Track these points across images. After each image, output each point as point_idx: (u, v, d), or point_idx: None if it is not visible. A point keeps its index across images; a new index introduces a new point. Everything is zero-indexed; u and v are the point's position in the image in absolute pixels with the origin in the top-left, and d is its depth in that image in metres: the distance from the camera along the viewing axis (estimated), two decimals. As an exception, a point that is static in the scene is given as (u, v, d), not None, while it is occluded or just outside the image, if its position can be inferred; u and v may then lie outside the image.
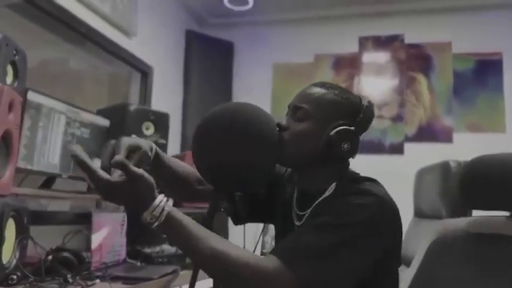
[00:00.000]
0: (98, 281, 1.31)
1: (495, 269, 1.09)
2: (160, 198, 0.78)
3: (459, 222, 1.26)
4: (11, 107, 1.22)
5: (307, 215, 0.98)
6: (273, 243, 1.12)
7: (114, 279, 1.40)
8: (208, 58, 3.56)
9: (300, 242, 0.85)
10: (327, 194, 0.97)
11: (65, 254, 1.40)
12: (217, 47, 3.66)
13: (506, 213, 1.17)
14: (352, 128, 0.96)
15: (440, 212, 1.75)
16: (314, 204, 0.97)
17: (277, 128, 0.96)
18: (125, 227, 1.81)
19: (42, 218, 1.92)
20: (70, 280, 1.26)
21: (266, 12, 3.66)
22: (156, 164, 0.98)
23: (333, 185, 0.98)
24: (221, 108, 0.95)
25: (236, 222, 1.12)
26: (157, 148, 1.00)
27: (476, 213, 1.38)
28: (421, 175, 2.08)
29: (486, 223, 1.17)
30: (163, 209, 0.77)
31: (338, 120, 0.96)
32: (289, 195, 1.08)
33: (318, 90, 1.00)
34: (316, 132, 0.96)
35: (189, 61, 3.49)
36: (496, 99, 3.32)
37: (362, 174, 1.01)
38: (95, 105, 2.34)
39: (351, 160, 1.02)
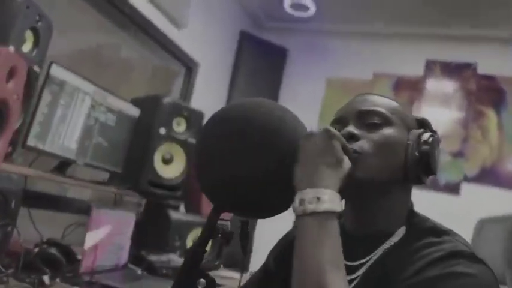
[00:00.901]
0: (76, 288, 1.11)
1: None
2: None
3: None
4: (12, 74, 1.07)
5: (364, 267, 0.72)
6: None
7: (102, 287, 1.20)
8: (259, 62, 3.38)
9: None
10: (393, 241, 0.73)
11: (52, 249, 1.22)
12: (270, 51, 3.46)
13: None
14: (436, 135, 0.77)
15: (504, 277, 1.43)
16: (379, 254, 0.73)
17: (347, 138, 0.72)
18: (132, 228, 1.62)
19: (50, 203, 1.79)
20: (46, 281, 1.08)
21: (327, 22, 3.43)
22: None
23: (402, 230, 0.74)
24: (235, 107, 0.72)
25: None
26: None
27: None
28: (484, 225, 1.76)
29: None
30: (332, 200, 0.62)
31: (418, 129, 0.78)
32: None
33: (378, 97, 0.81)
34: (402, 138, 0.75)
35: (238, 62, 3.32)
36: None
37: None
38: (135, 95, 2.21)
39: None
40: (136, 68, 2.71)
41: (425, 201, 3.11)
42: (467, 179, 3.05)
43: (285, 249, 0.87)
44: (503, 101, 3.10)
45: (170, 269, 1.60)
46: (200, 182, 0.70)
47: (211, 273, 0.70)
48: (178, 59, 2.72)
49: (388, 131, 0.75)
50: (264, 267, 0.93)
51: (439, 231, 0.71)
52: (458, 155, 3.11)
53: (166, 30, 2.48)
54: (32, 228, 1.51)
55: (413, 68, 3.32)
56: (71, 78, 1.63)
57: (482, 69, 3.18)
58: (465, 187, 3.04)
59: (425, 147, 0.73)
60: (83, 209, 1.85)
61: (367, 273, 0.72)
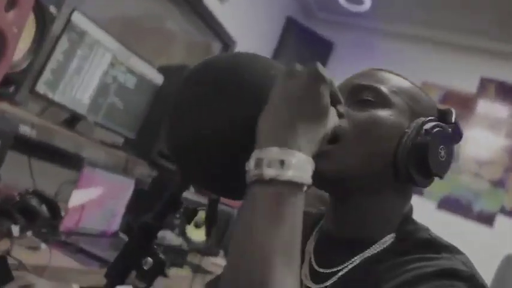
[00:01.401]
0: (43, 245, 1.02)
1: None
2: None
3: None
4: (12, 4, 0.98)
5: (342, 271, 0.58)
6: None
7: (74, 251, 1.11)
8: (302, 52, 3.22)
9: None
10: (379, 246, 0.58)
11: (33, 200, 1.14)
12: (315, 43, 3.30)
13: None
14: (450, 129, 0.60)
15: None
16: (359, 261, 0.58)
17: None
18: (129, 195, 1.53)
19: (53, 156, 1.73)
20: (14, 232, 0.99)
21: (380, 19, 3.22)
22: None
23: (389, 238, 0.59)
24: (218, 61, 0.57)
25: None
26: None
27: None
28: (510, 262, 1.56)
29: None
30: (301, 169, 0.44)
31: (426, 116, 0.60)
32: None
33: (390, 75, 0.64)
34: (397, 124, 0.58)
35: (279, 48, 3.18)
36: None
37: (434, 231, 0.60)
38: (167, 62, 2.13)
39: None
40: (175, 40, 2.63)
41: (454, 227, 2.89)
42: (504, 211, 2.79)
43: None
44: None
45: (162, 246, 1.50)
46: (168, 141, 0.57)
47: (212, 260, 0.58)
48: (216, 34, 2.61)
49: (380, 113, 0.58)
50: None
51: (437, 246, 0.55)
52: (498, 184, 2.85)
53: (210, 2, 2.37)
54: (27, 177, 1.44)
55: (466, 84, 3.07)
56: (94, 30, 1.55)
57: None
58: (500, 219, 2.78)
59: (424, 137, 0.57)
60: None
61: (339, 283, 0.57)
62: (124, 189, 1.52)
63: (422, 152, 0.56)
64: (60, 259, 1.02)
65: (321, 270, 0.60)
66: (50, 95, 1.48)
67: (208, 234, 0.61)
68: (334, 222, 0.63)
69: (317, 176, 0.48)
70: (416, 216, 0.63)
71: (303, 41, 3.24)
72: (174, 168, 1.90)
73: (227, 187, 0.54)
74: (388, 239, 0.58)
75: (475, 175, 2.90)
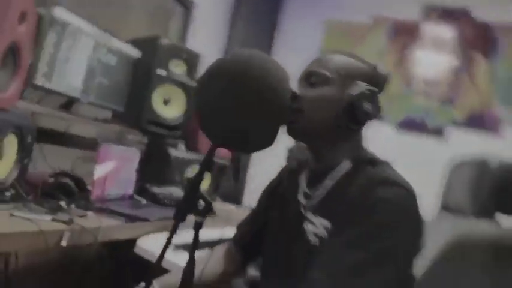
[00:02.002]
0: (89, 212, 1.26)
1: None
2: None
3: (482, 230, 1.13)
4: (22, 17, 1.15)
5: (319, 196, 0.92)
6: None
7: (111, 213, 1.36)
8: (258, 4, 3.36)
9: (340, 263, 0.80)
10: (338, 172, 0.91)
11: (66, 179, 1.36)
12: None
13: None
14: (375, 88, 0.91)
15: (466, 208, 1.59)
16: (326, 185, 0.92)
17: (291, 98, 0.87)
18: (137, 163, 1.76)
19: (57, 138, 1.91)
20: (63, 206, 1.23)
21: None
22: None
23: (347, 163, 0.91)
24: (230, 61, 0.84)
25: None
26: None
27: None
28: (457, 168, 1.90)
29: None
30: None
31: (358, 83, 0.91)
32: (289, 185, 1.03)
33: (332, 56, 0.95)
34: (334, 96, 0.90)
35: (237, 6, 3.29)
36: None
37: (396, 152, 0.99)
38: (132, 35, 2.25)
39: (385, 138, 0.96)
40: (134, 8, 2.71)
41: (411, 144, 3.27)
42: (455, 123, 3.18)
43: (271, 192, 1.08)
44: (495, 49, 3.16)
45: (171, 199, 1.76)
46: (203, 129, 0.83)
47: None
48: (175, -1, 2.73)
49: (322, 90, 0.91)
50: (256, 208, 1.13)
51: (374, 162, 0.89)
52: (447, 100, 3.22)
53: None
54: (43, 162, 1.64)
55: (410, 12, 3.34)
56: (74, 20, 1.69)
57: (477, 15, 3.20)
58: (452, 132, 3.18)
59: (356, 97, 0.87)
60: (89, 145, 1.97)
61: (323, 200, 0.91)
62: (132, 158, 1.75)
63: (350, 109, 0.88)
64: (104, 220, 1.26)
65: (309, 192, 0.94)
66: (48, 85, 1.64)
67: (235, 177, 0.89)
68: (312, 160, 0.97)
69: (293, 133, 0.88)
70: (379, 140, 0.98)
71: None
72: (164, 132, 2.12)
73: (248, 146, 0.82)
74: (345, 164, 0.91)
75: (425, 95, 3.25)
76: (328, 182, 0.91)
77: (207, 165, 0.84)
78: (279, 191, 1.06)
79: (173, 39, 2.79)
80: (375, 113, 0.89)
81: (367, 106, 0.87)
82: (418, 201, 0.86)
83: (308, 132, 0.92)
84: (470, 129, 3.14)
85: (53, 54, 1.63)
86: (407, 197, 0.83)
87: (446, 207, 1.93)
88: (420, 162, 2.96)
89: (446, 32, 3.28)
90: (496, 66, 3.14)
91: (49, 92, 1.69)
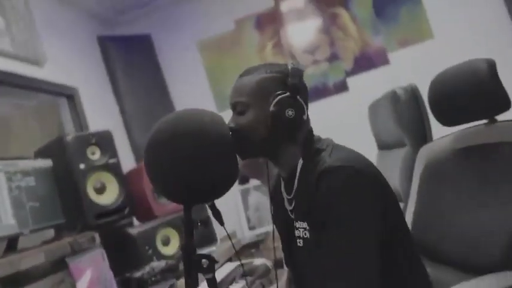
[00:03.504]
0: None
1: (490, 178, 1.12)
2: None
3: (443, 143, 1.28)
4: None
5: (292, 201, 1.03)
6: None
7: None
8: (130, 58, 3.39)
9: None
10: (297, 174, 1.00)
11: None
12: (134, 43, 3.48)
13: (484, 121, 1.19)
14: (287, 93, 0.98)
15: (402, 140, 1.79)
16: (294, 190, 1.02)
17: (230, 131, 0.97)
18: (106, 260, 1.74)
19: (16, 280, 1.81)
20: None
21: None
22: None
23: (300, 162, 1.00)
24: (163, 125, 0.90)
25: None
26: None
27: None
28: (373, 109, 2.11)
29: (469, 136, 1.20)
30: None
31: (273, 95, 0.98)
32: (277, 195, 1.14)
33: (244, 79, 1.02)
34: (260, 115, 0.98)
35: (111, 67, 3.30)
36: (416, 8, 3.38)
37: (318, 121, 1.09)
38: (33, 146, 2.19)
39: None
40: (18, 120, 2.63)
41: (324, 108, 3.50)
42: (348, 73, 3.47)
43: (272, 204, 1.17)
44: (346, -3, 3.49)
45: (157, 274, 1.76)
46: (166, 195, 0.88)
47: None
48: (53, 93, 2.68)
49: (248, 115, 0.99)
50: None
51: (318, 151, 0.99)
52: (333, 58, 3.50)
53: (28, 72, 2.43)
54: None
55: (266, 1, 3.56)
56: (-25, 165, 1.63)
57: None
58: (350, 81, 3.46)
59: (276, 111, 0.96)
60: (53, 270, 1.90)
61: (295, 202, 1.03)
62: (101, 258, 1.72)
63: (276, 123, 0.96)
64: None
65: (288, 197, 1.05)
66: (-16, 238, 1.57)
67: (221, 222, 0.95)
68: (279, 171, 1.09)
69: (246, 156, 1.01)
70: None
71: (125, 48, 3.39)
72: (114, 218, 2.09)
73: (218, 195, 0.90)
74: (299, 164, 1.01)
75: (315, 62, 3.50)
76: (295, 184, 1.01)
77: (189, 227, 0.90)
78: (274, 201, 1.16)
79: (71, 130, 2.75)
80: (300, 113, 0.97)
81: (289, 113, 0.95)
82: (365, 164, 0.96)
83: (254, 154, 1.03)
84: (363, 72, 3.44)
85: (-28, 207, 1.56)
86: (350, 176, 0.91)
87: (383, 147, 2.14)
88: (336, 120, 3.20)
89: (299, 2, 3.55)
90: (355, 10, 3.47)
91: (-13, 243, 1.61)
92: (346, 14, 3.49)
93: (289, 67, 1.01)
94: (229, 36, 3.57)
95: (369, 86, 3.18)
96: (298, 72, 1.00)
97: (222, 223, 0.94)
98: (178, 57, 3.61)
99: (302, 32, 3.55)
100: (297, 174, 1.00)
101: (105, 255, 1.76)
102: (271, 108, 0.96)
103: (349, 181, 0.90)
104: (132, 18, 3.61)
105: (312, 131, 1.04)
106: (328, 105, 3.43)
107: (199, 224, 0.93)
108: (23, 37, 2.41)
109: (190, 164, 0.84)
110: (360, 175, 0.91)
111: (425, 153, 1.33)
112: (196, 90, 3.49)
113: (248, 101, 0.99)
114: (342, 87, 3.47)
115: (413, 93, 1.73)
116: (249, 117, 0.99)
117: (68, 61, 2.84)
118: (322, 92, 3.48)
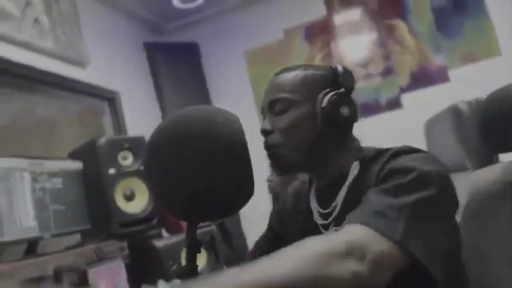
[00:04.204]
0: None
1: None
2: None
3: (492, 172, 1.06)
4: None
5: (338, 205, 0.83)
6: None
7: None
8: (176, 66, 3.35)
9: (380, 205, 0.67)
10: (351, 175, 0.83)
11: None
12: (181, 51, 3.44)
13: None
14: (342, 89, 0.84)
15: (464, 162, 1.55)
16: (345, 191, 0.84)
17: (262, 134, 0.86)
18: (124, 273, 1.62)
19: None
20: None
21: (220, 2, 3.43)
22: None
23: (355, 166, 0.83)
24: (166, 123, 0.74)
25: None
26: None
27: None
28: (431, 125, 1.88)
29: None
30: None
31: (322, 92, 0.84)
32: (298, 209, 0.95)
33: (284, 76, 0.87)
34: (307, 113, 0.83)
35: (156, 74, 3.27)
36: (483, 22, 3.09)
37: (366, 139, 0.91)
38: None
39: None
40: (61, 122, 2.62)
41: (374, 126, 3.26)
42: (403, 90, 3.22)
43: (279, 219, 1.01)
44: (406, 7, 3.26)
45: (177, 293, 1.62)
46: (167, 207, 0.72)
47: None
48: (95, 96, 2.66)
49: (292, 114, 0.84)
50: (269, 228, 1.06)
51: (380, 152, 0.82)
52: (387, 72, 3.26)
53: (70, 73, 2.41)
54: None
55: (316, 11, 3.41)
56: (1, 163, 1.58)
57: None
58: (405, 98, 3.21)
59: (329, 107, 0.82)
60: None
61: (339, 213, 0.82)
62: (118, 270, 1.61)
63: (329, 121, 0.82)
64: None
65: (324, 210, 0.85)
66: (1, 239, 1.50)
67: (229, 246, 0.78)
68: (314, 178, 0.90)
69: (283, 169, 0.83)
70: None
71: (171, 56, 3.36)
72: (140, 228, 1.98)
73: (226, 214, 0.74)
74: (355, 167, 0.83)
75: (367, 76, 3.28)
76: (343, 190, 0.83)
77: (192, 249, 0.74)
78: (287, 218, 0.99)
79: (110, 134, 2.71)
80: (355, 113, 0.84)
81: (344, 111, 0.82)
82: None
83: (297, 161, 0.85)
84: (418, 89, 3.18)
85: (-8, 206, 1.50)
86: (429, 156, 0.75)
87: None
88: (388, 139, 2.95)
89: (354, 14, 3.37)
90: (414, 22, 3.23)
91: (5, 244, 1.54)
92: (404, 26, 3.26)
93: (338, 68, 0.87)
94: (277, 46, 3.44)
95: (426, 104, 2.91)
96: (349, 73, 0.88)
97: (231, 247, 0.77)
98: (224, 67, 3.53)
99: (355, 44, 3.35)
100: (348, 181, 0.83)
101: (123, 268, 1.64)
102: (323, 104, 0.82)
103: (433, 161, 0.73)
104: (179, 26, 3.58)
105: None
106: (379, 123, 3.19)
107: (203, 246, 0.77)
108: (67, 38, 2.40)
109: (192, 172, 0.68)
110: (449, 180, 0.74)
111: (471, 181, 1.12)
112: (239, 101, 3.38)
113: (292, 97, 0.84)
114: (395, 104, 3.22)
115: (479, 108, 1.49)
116: (293, 116, 0.83)
117: (112, 65, 2.82)
118: (373, 108, 3.25)
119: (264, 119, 0.89)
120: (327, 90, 0.84)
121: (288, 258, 0.56)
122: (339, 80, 0.85)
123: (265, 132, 0.85)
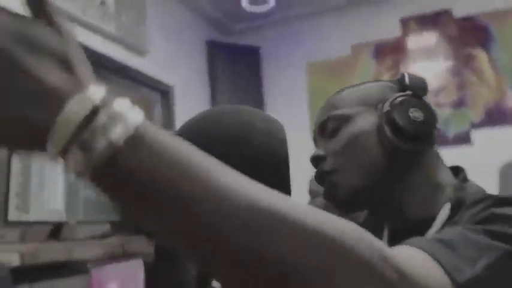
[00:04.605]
0: None
1: None
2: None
3: None
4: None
5: None
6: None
7: None
8: (234, 67, 3.27)
9: (456, 237, 0.48)
10: (439, 221, 0.59)
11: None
12: (242, 54, 3.35)
13: None
14: (408, 92, 0.62)
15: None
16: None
17: (313, 163, 0.65)
18: (141, 277, 1.51)
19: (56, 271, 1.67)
20: None
21: (291, 8, 3.32)
22: None
23: (446, 206, 0.59)
24: (195, 121, 0.63)
25: None
26: None
27: None
28: (507, 171, 1.64)
29: None
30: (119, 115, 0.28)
31: (385, 100, 0.63)
32: None
33: (340, 94, 0.67)
34: (367, 126, 0.62)
35: (214, 73, 3.20)
36: None
37: None
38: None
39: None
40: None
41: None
42: (474, 125, 2.93)
43: None
44: (490, 37, 2.98)
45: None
46: None
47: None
48: (147, 86, 2.62)
49: (346, 131, 0.63)
50: None
51: (488, 196, 0.57)
52: (459, 104, 2.99)
53: (127, 60, 2.38)
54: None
55: (390, 30, 3.21)
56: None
57: (459, 12, 3.06)
58: (475, 134, 2.92)
59: (393, 111, 0.59)
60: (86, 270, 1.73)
61: None
62: (136, 272, 1.50)
63: (394, 126, 0.59)
64: None
65: None
66: (25, 218, 1.44)
67: None
68: (388, 218, 0.66)
69: (339, 203, 0.60)
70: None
71: (231, 57, 3.29)
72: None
73: None
74: (445, 210, 0.59)
75: (436, 105, 3.03)
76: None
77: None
78: None
79: (159, 126, 2.65)
80: (431, 117, 0.60)
81: (415, 114, 0.59)
82: None
83: (362, 186, 0.62)
84: (492, 126, 2.88)
85: (23, 182, 1.44)
86: None
87: None
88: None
89: (431, 38, 3.13)
90: (497, 53, 2.95)
91: (28, 224, 1.48)
92: (485, 57, 2.98)
93: (405, 74, 0.66)
94: (343, 61, 3.26)
95: (499, 144, 2.64)
96: (419, 77, 0.66)
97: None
98: (283, 75, 3.40)
99: (427, 69, 3.11)
100: (432, 228, 0.59)
101: (141, 271, 1.53)
102: (385, 109, 0.61)
103: None
104: (244, 28, 3.50)
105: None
106: (444, 158, 2.91)
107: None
108: (130, 24, 2.37)
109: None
110: None
111: None
112: (293, 113, 3.23)
113: (345, 112, 0.64)
114: (464, 139, 2.94)
115: None
116: (349, 132, 0.63)
117: (170, 58, 2.78)
118: (439, 141, 2.98)
119: (316, 145, 0.70)
120: (388, 98, 0.63)
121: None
122: (406, 85, 0.64)
123: (315, 160, 0.65)
